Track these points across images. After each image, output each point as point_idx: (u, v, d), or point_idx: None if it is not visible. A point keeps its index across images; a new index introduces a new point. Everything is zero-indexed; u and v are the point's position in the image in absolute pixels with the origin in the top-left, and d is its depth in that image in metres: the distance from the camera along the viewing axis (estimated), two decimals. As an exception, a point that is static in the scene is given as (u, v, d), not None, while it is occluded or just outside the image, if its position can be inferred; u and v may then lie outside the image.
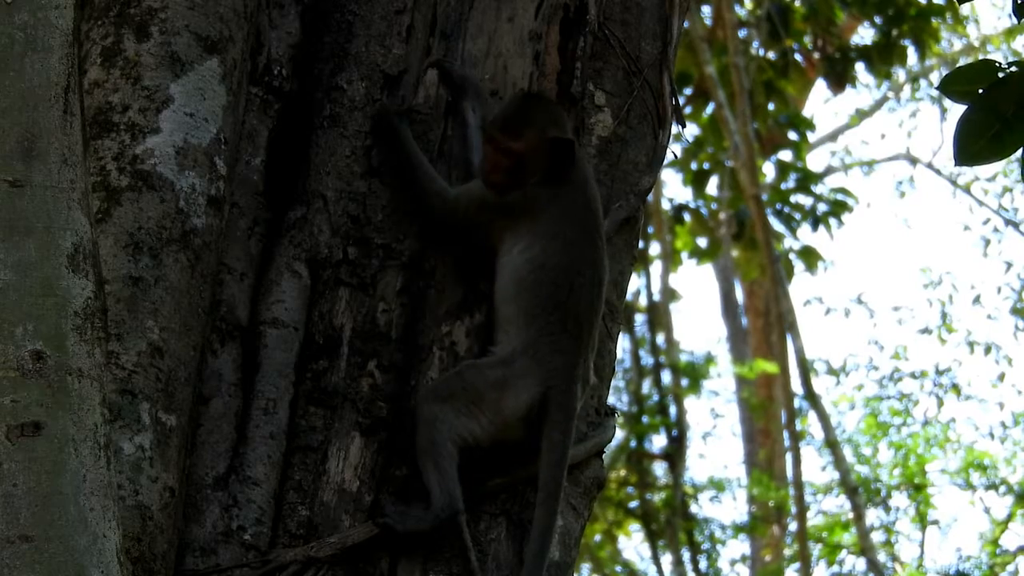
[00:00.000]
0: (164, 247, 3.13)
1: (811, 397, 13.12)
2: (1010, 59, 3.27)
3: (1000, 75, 3.25)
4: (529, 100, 3.58)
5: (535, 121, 3.50)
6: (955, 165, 3.36)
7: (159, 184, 3.18)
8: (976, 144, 3.27)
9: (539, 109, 3.55)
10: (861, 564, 15.35)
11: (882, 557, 15.67)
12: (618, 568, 16.53)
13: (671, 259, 14.86)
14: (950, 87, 3.32)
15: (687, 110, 11.82)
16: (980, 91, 3.26)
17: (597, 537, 15.43)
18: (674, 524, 14.46)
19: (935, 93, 18.87)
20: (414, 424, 3.34)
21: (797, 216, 12.05)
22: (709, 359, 15.96)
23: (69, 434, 2.31)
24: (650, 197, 4.62)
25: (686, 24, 4.29)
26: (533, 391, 3.36)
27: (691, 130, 11.96)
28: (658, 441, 14.51)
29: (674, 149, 4.05)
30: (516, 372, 3.37)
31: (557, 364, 3.39)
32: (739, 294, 16.97)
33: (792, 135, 12.18)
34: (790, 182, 12.14)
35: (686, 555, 14.73)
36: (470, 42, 3.73)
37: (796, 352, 12.52)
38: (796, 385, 13.05)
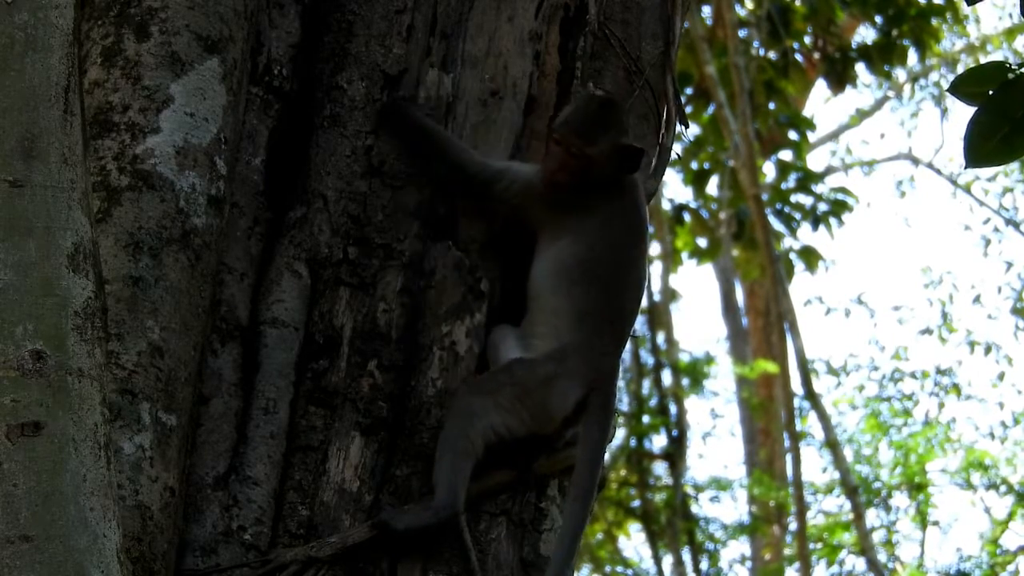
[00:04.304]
0: (164, 247, 3.13)
1: (811, 397, 13.11)
2: (1011, 59, 3.24)
3: (1010, 76, 3.23)
4: (602, 105, 3.56)
5: (608, 127, 3.51)
6: (965, 167, 3.32)
7: (159, 184, 3.18)
8: (986, 146, 3.25)
9: (611, 114, 3.55)
10: (861, 564, 15.35)
11: (882, 557, 15.66)
12: (619, 568, 16.52)
13: (671, 259, 14.85)
14: (960, 89, 3.31)
15: (687, 110, 11.80)
16: (990, 93, 3.25)
17: (598, 536, 15.43)
18: (674, 524, 14.46)
19: (936, 92, 18.89)
20: (444, 415, 3.34)
21: (797, 216, 12.04)
22: (709, 359, 15.95)
23: (69, 434, 2.30)
24: (650, 197, 4.60)
25: (686, 24, 4.29)
26: (579, 392, 3.38)
27: (691, 130, 11.95)
28: (658, 441, 14.51)
29: (675, 149, 4.05)
30: (567, 371, 3.38)
31: (603, 366, 3.42)
32: (739, 294, 16.97)
33: (792, 135, 12.16)
34: (790, 182, 12.13)
35: (686, 555, 14.72)
36: (470, 42, 3.73)
37: (796, 352, 12.51)
38: (796, 385, 13.05)
